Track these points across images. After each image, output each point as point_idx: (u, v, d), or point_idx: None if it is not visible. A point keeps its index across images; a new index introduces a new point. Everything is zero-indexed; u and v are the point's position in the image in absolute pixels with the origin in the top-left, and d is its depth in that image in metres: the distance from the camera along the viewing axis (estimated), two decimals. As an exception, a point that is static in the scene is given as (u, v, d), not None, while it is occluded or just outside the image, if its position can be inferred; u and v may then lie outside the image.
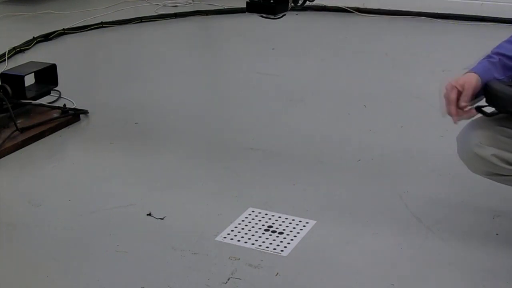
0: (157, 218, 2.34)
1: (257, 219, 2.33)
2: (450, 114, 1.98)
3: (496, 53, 2.02)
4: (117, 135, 3.05)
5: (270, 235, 2.24)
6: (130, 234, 2.25)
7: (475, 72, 1.98)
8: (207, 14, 5.24)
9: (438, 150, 2.82)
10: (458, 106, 1.96)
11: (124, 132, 3.09)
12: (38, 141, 2.97)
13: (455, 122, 2.00)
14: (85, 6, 5.42)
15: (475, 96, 1.98)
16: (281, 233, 2.25)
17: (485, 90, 1.97)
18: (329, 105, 3.38)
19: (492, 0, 4.87)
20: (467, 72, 2.01)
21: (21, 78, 3.19)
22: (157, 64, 4.09)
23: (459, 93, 1.96)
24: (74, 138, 3.06)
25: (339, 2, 5.20)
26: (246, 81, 3.77)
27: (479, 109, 2.01)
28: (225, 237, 2.22)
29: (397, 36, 4.61)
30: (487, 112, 1.99)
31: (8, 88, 3.06)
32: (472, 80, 1.96)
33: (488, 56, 2.03)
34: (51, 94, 3.41)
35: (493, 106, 1.98)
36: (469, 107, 1.97)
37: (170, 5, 5.52)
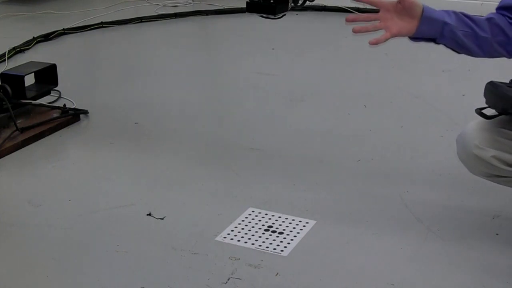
0: (157, 218, 2.34)
1: (257, 219, 2.33)
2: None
3: (457, 11, 1.99)
4: (117, 135, 3.05)
5: (270, 235, 2.24)
6: (130, 234, 2.25)
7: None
8: (207, 14, 5.24)
9: (438, 150, 2.82)
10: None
11: (124, 132, 3.09)
12: (38, 141, 2.97)
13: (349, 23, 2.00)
14: (85, 6, 5.42)
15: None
16: (281, 233, 2.25)
17: (485, 92, 1.96)
18: (329, 105, 3.38)
19: (492, 0, 4.87)
20: None
21: (21, 78, 3.19)
22: (157, 64, 4.09)
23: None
24: (74, 138, 3.06)
25: (339, 2, 5.21)
26: (246, 81, 3.77)
27: (479, 112, 2.01)
28: (225, 237, 2.22)
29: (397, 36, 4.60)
30: (487, 115, 1.99)
31: (8, 88, 3.06)
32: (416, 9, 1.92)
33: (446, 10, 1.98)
34: (51, 94, 3.41)
35: (493, 108, 1.98)
36: None
37: (170, 5, 5.52)
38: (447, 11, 1.96)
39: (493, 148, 1.98)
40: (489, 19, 1.97)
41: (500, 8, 2.01)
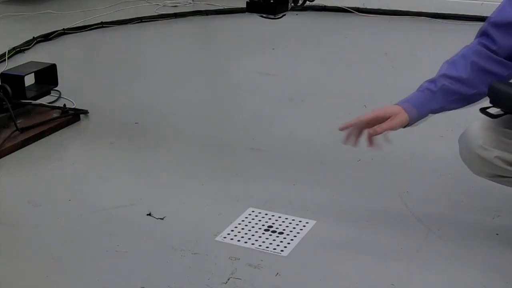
0: (157, 218, 2.34)
1: (257, 219, 2.33)
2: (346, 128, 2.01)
3: (442, 75, 1.99)
4: (117, 135, 3.05)
5: (270, 235, 2.24)
6: (130, 234, 2.25)
7: (404, 108, 1.98)
8: (207, 14, 5.24)
9: (438, 150, 2.82)
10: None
11: (124, 132, 3.09)
12: (38, 141, 2.97)
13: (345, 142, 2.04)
14: (85, 6, 5.43)
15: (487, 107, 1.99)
16: (281, 233, 2.25)
17: (490, 91, 1.96)
18: (329, 105, 3.38)
19: (492, 0, 4.87)
20: (399, 105, 2.00)
21: (21, 78, 3.19)
22: (157, 64, 4.09)
23: (376, 119, 1.98)
24: (74, 138, 3.06)
25: (339, 2, 5.21)
26: (246, 81, 3.77)
27: (484, 111, 2.00)
28: (225, 237, 2.22)
29: (397, 36, 4.61)
30: (492, 114, 1.98)
31: (8, 88, 3.06)
32: (398, 120, 1.98)
33: (431, 81, 2.00)
34: (51, 94, 3.41)
35: (498, 107, 1.97)
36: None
37: (170, 5, 5.53)
38: (431, 91, 1.99)
39: (497, 149, 1.97)
40: (472, 64, 1.97)
41: (493, 25, 1.99)
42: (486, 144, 1.97)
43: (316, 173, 2.67)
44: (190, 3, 5.57)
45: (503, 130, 1.98)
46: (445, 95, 1.98)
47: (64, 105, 3.23)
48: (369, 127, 2.00)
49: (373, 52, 4.23)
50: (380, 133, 1.97)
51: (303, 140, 2.97)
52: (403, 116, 1.98)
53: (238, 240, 2.20)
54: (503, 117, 1.97)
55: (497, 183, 2.08)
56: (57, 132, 3.07)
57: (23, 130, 2.96)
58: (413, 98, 2.01)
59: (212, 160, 2.82)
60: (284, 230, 2.26)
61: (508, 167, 1.97)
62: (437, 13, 4.98)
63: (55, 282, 2.02)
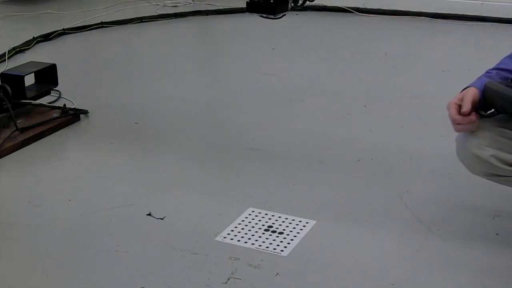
0: (157, 218, 2.34)
1: (257, 219, 2.33)
2: (457, 123, 1.99)
3: (493, 68, 2.04)
4: (117, 135, 3.05)
5: (270, 235, 2.24)
6: (130, 234, 2.25)
7: (469, 86, 2.00)
8: (207, 14, 5.24)
9: (438, 150, 2.82)
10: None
11: (124, 132, 3.09)
12: (38, 141, 2.97)
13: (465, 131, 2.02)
14: (85, 6, 5.43)
15: (480, 108, 1.99)
16: (281, 233, 2.25)
17: (483, 91, 1.97)
18: (329, 105, 3.38)
19: (492, 0, 4.87)
20: (464, 89, 2.03)
21: (21, 78, 3.19)
22: (157, 64, 4.09)
23: (460, 107, 1.97)
24: (74, 138, 3.06)
25: (339, 2, 5.21)
26: (246, 81, 3.77)
27: (477, 111, 2.01)
28: (225, 237, 2.22)
29: (397, 36, 4.61)
30: (484, 113, 1.99)
31: (8, 88, 3.06)
32: (470, 91, 1.97)
33: (486, 72, 2.05)
34: (51, 94, 3.41)
35: (491, 107, 1.98)
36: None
37: (170, 5, 5.53)
38: (488, 75, 2.03)
39: (492, 148, 1.98)
40: None
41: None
42: (481, 143, 1.99)
43: (316, 173, 2.67)
44: (190, 3, 5.57)
45: (498, 129, 1.99)
46: (502, 80, 2.01)
47: (64, 105, 3.23)
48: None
49: (373, 52, 4.23)
50: (469, 109, 1.95)
51: (303, 140, 2.97)
52: (470, 89, 1.98)
53: (238, 240, 2.20)
54: (498, 116, 1.98)
55: (494, 182, 2.09)
56: (57, 132, 3.07)
57: (23, 130, 2.96)
58: (477, 80, 2.03)
59: (212, 160, 2.82)
60: (284, 230, 2.26)
61: (504, 166, 1.99)
62: (437, 13, 4.98)
63: (55, 282, 2.01)
